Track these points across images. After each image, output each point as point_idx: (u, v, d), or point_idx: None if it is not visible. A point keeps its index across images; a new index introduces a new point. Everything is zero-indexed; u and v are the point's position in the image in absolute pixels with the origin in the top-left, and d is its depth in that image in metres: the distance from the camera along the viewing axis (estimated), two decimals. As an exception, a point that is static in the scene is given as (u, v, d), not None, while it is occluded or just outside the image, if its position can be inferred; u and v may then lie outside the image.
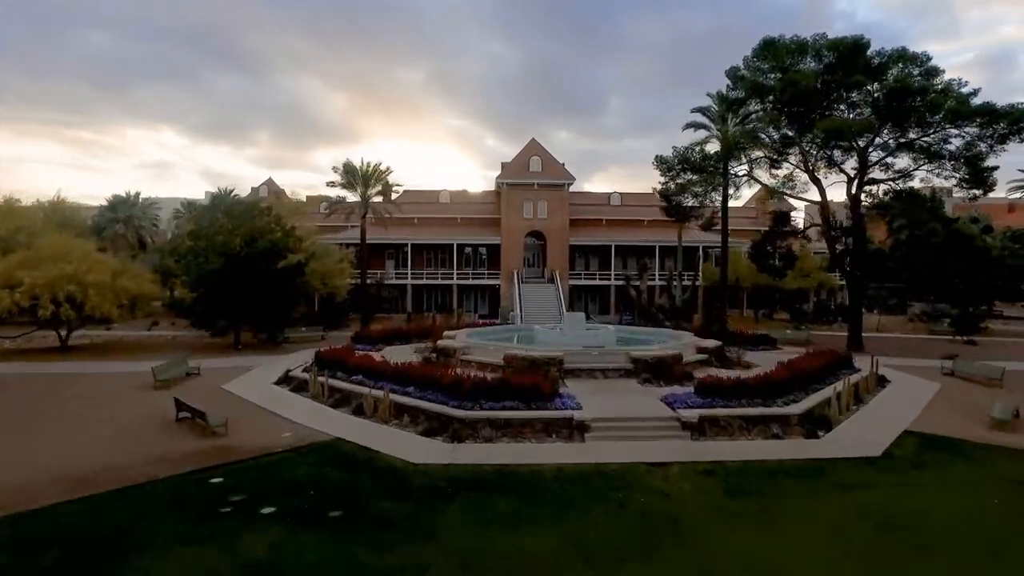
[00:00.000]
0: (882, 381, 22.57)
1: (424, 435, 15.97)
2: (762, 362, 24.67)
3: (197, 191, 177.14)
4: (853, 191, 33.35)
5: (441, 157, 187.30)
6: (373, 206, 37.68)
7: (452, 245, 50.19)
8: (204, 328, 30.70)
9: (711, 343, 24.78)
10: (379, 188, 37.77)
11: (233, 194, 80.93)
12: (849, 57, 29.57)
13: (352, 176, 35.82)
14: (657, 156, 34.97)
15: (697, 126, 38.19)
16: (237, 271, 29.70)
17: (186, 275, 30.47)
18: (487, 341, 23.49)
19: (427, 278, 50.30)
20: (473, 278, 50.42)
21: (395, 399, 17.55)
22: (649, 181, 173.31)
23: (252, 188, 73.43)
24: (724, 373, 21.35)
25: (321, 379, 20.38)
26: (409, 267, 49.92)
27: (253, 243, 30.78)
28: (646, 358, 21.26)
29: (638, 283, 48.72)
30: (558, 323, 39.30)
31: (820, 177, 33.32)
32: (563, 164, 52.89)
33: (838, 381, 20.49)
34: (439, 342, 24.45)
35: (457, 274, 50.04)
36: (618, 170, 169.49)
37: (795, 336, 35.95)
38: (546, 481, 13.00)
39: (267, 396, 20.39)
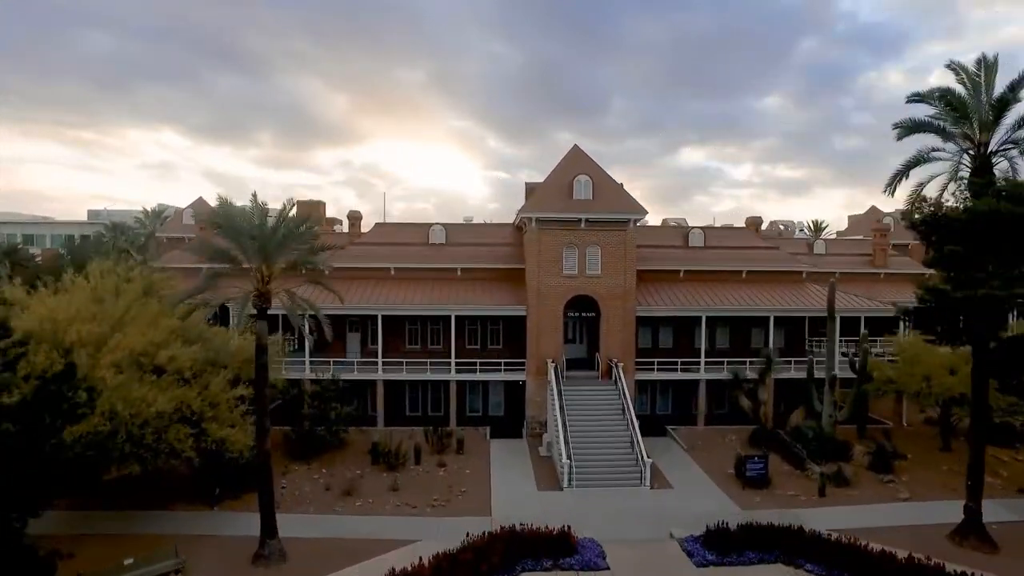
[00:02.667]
0: None
1: None
2: None
3: (196, 193, 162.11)
4: None
5: (442, 158, 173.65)
6: (288, 285, 18.89)
7: (450, 317, 31.43)
8: None
9: None
10: (302, 249, 18.85)
11: (164, 215, 62.52)
12: None
13: (231, 231, 16.81)
14: (915, 198, 15.97)
15: (918, 128, 19.45)
16: None
17: None
18: None
19: (408, 370, 31.38)
20: (482, 370, 31.51)
21: None
22: (649, 180, 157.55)
23: (176, 210, 54.61)
24: None
25: None
26: (380, 351, 31.11)
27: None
28: None
29: (756, 387, 29.70)
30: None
31: None
32: (621, 184, 34.06)
33: None
34: None
35: (457, 364, 31.20)
36: (620, 170, 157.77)
37: None
38: None
39: None
